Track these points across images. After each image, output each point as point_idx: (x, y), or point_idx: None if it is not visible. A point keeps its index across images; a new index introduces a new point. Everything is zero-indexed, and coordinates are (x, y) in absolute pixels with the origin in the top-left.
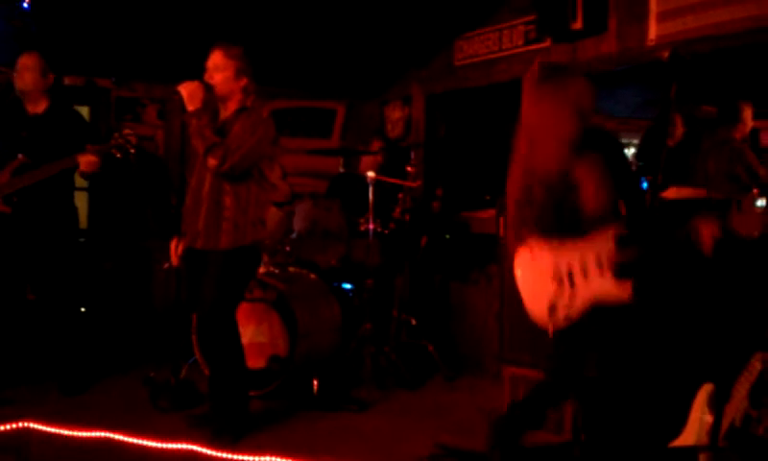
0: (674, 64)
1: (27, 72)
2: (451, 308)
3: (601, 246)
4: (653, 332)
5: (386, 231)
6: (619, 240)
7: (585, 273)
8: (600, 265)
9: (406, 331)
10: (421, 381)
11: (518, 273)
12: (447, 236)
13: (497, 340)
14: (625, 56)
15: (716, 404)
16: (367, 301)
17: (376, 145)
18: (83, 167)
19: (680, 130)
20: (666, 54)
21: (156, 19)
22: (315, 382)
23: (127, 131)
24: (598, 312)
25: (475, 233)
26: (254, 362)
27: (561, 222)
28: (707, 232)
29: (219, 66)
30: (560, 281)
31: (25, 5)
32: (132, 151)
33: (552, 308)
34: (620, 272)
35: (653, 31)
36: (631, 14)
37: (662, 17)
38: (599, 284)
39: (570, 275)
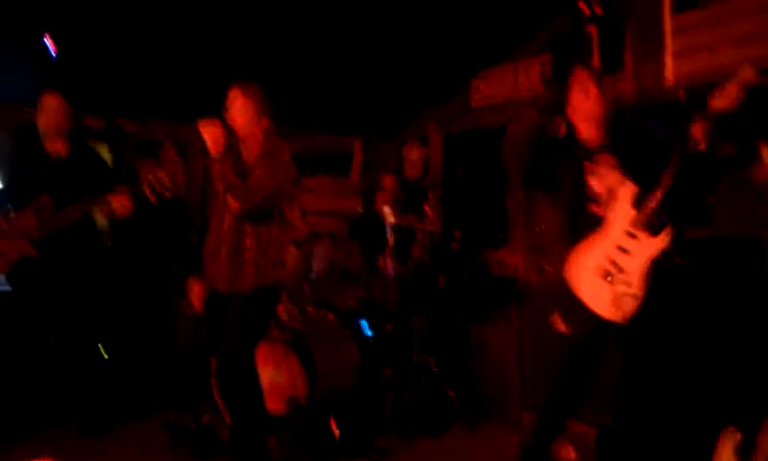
0: (691, 104)
1: (50, 112)
2: (470, 351)
3: (623, 219)
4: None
5: (404, 272)
6: (636, 201)
7: (624, 250)
8: (633, 234)
9: (426, 376)
10: (442, 428)
11: (578, 287)
12: (466, 275)
13: (518, 384)
14: (642, 94)
15: (742, 454)
16: (385, 342)
17: (388, 181)
18: (116, 210)
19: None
20: (683, 93)
21: (176, 59)
22: (335, 428)
23: (161, 173)
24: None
25: (494, 274)
26: (274, 405)
27: (579, 223)
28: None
29: (239, 108)
30: (608, 274)
31: (46, 41)
32: (168, 194)
33: (616, 299)
34: (652, 228)
35: (669, 69)
36: (647, 53)
37: (679, 56)
38: (643, 249)
39: (614, 262)
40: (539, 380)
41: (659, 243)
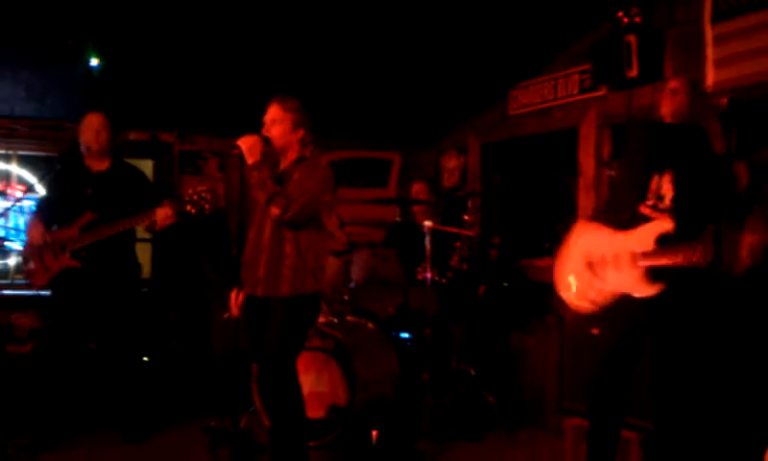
0: (733, 110)
1: (92, 132)
2: (510, 358)
3: (641, 241)
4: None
5: (443, 280)
6: (661, 239)
7: (617, 265)
8: (634, 261)
9: (465, 382)
10: (481, 433)
11: (565, 247)
12: (505, 285)
13: (558, 391)
14: None
15: None
16: (425, 350)
17: (416, 188)
18: (160, 222)
19: (744, 177)
20: (725, 100)
21: (216, 74)
22: (374, 433)
23: (201, 187)
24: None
25: (533, 282)
26: (314, 412)
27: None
28: (746, 245)
29: (276, 119)
30: (589, 265)
31: (92, 63)
32: (207, 207)
33: (570, 286)
34: (651, 275)
35: (710, 77)
36: (687, 61)
37: (720, 64)
38: (627, 279)
39: (601, 263)
40: (578, 386)
41: (643, 289)
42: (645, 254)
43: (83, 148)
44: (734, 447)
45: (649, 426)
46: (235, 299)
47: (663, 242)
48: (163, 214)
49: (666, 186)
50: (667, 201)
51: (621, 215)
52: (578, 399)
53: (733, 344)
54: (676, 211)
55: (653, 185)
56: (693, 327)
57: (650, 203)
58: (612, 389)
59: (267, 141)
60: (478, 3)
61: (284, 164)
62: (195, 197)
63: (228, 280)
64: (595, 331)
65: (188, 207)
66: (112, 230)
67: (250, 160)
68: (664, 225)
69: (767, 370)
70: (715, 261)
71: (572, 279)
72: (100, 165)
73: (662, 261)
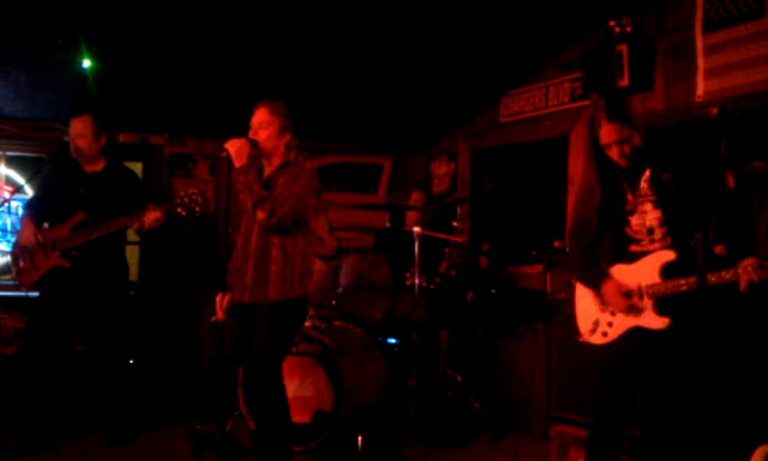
0: (723, 121)
1: (79, 138)
2: (497, 364)
3: (645, 273)
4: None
5: (432, 286)
6: (665, 269)
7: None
8: (641, 295)
9: (452, 388)
10: (467, 439)
11: (577, 290)
12: (493, 291)
13: (544, 397)
14: (672, 112)
15: None
16: (412, 356)
17: (415, 197)
18: (148, 224)
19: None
20: (714, 110)
21: (207, 76)
22: (360, 439)
23: (192, 190)
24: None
25: (522, 289)
26: (299, 417)
27: (610, 246)
28: (744, 274)
29: (263, 123)
30: (603, 303)
31: (84, 65)
32: (198, 209)
33: (594, 325)
34: (659, 306)
35: (700, 87)
36: (678, 71)
37: (710, 74)
38: (637, 313)
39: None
40: (565, 394)
41: (654, 322)
42: (653, 287)
43: (72, 152)
44: (723, 454)
45: (635, 434)
46: (221, 302)
47: (669, 271)
48: (153, 216)
49: (650, 218)
50: (659, 234)
51: (605, 253)
52: (565, 406)
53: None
54: (674, 240)
55: (634, 224)
56: (701, 347)
57: (644, 242)
58: (616, 398)
59: (254, 144)
60: (470, 10)
61: (270, 169)
62: (186, 199)
63: (215, 284)
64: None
65: (179, 210)
66: (103, 230)
67: (237, 164)
68: (667, 255)
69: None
70: (701, 270)
71: (595, 319)
72: (94, 166)
73: (673, 290)
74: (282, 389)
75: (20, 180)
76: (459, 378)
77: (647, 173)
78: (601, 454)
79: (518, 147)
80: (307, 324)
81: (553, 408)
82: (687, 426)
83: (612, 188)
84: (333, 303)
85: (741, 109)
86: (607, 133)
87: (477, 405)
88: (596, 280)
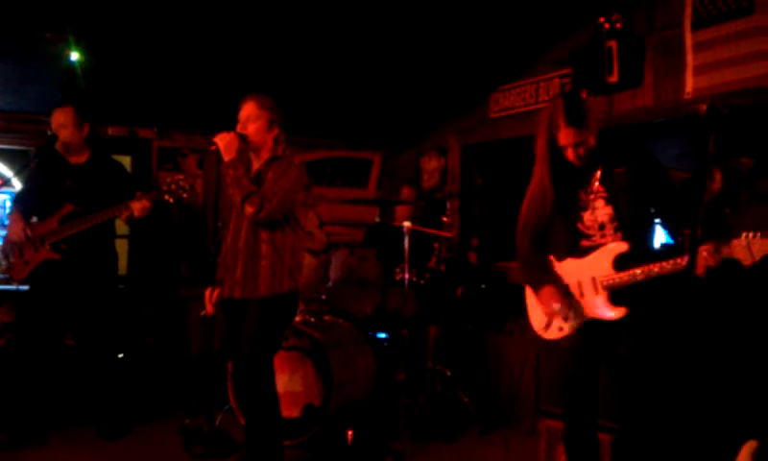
0: (711, 117)
1: (62, 129)
2: (486, 359)
3: (598, 266)
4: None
5: (422, 281)
6: (618, 260)
7: (580, 293)
8: (595, 287)
9: (441, 382)
10: (457, 434)
11: (527, 292)
12: (483, 286)
13: (533, 392)
14: (662, 109)
15: None
16: (402, 350)
17: (406, 192)
18: (136, 213)
19: (717, 183)
20: (704, 107)
21: (196, 70)
22: (350, 433)
23: (179, 176)
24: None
25: (511, 284)
26: (289, 411)
27: (561, 241)
28: (701, 259)
29: (252, 117)
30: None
31: (72, 58)
32: (185, 195)
33: (547, 324)
34: (614, 298)
35: (690, 84)
36: (667, 68)
37: (699, 70)
38: (593, 305)
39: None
40: (554, 388)
41: (610, 312)
42: (607, 278)
43: (59, 143)
44: (705, 447)
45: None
46: (210, 296)
47: (621, 263)
48: (140, 205)
49: (602, 214)
50: (610, 229)
51: (557, 248)
52: (554, 400)
53: (700, 344)
54: (626, 233)
55: (586, 219)
56: (658, 333)
57: (595, 237)
58: (580, 392)
59: (243, 138)
60: (460, 6)
61: (258, 164)
62: (173, 186)
63: (205, 279)
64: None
65: (166, 197)
66: (91, 221)
67: (226, 158)
68: (620, 246)
69: (737, 368)
70: (690, 264)
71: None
72: (78, 158)
73: (627, 280)
74: (273, 384)
75: (8, 173)
76: (448, 373)
77: (600, 171)
78: (579, 451)
79: (509, 142)
80: (297, 318)
81: (542, 403)
82: (663, 416)
83: (565, 185)
84: (323, 297)
85: (730, 106)
86: (565, 136)
87: (467, 400)
88: (536, 282)
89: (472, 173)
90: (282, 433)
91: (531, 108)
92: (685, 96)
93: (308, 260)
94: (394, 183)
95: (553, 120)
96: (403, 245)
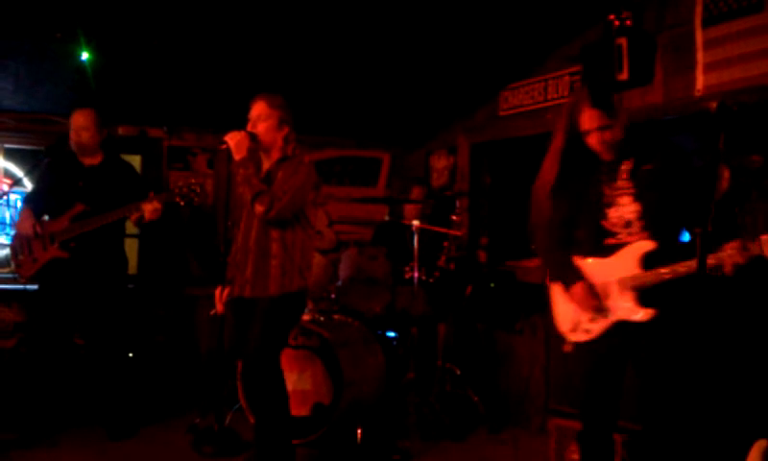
0: (721, 115)
1: (83, 131)
2: (496, 358)
3: (624, 266)
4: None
5: (431, 280)
6: (645, 260)
7: (606, 294)
8: (622, 288)
9: (450, 381)
10: (466, 433)
11: (553, 289)
12: (492, 285)
13: (543, 391)
14: (672, 106)
15: None
16: (411, 349)
17: (416, 192)
18: (147, 215)
19: (725, 181)
20: (714, 104)
21: (206, 69)
22: (359, 431)
23: (191, 179)
24: (625, 331)
25: (521, 282)
26: (298, 410)
27: (585, 239)
28: (728, 258)
29: (262, 115)
30: (573, 302)
31: (82, 58)
32: (196, 199)
33: (574, 326)
34: (642, 298)
35: (700, 81)
36: (677, 65)
37: (710, 68)
38: (620, 306)
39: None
40: (564, 387)
41: (637, 314)
42: (634, 278)
43: (73, 144)
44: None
45: (632, 428)
46: (220, 295)
47: (649, 262)
48: (151, 207)
49: (628, 211)
50: (637, 227)
51: (580, 246)
52: (564, 399)
53: (723, 346)
54: (652, 231)
55: (611, 216)
56: (685, 334)
57: (620, 235)
58: (602, 394)
59: (253, 137)
60: (469, 3)
61: (268, 164)
62: (185, 189)
63: (215, 278)
64: (568, 348)
65: (177, 199)
66: (102, 221)
67: (237, 157)
68: (646, 245)
69: (755, 370)
70: (701, 264)
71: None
72: (92, 159)
73: (655, 280)
74: (282, 382)
75: (19, 172)
76: (458, 372)
77: (627, 165)
78: (594, 452)
79: (518, 140)
80: (306, 317)
81: (552, 402)
82: (684, 418)
83: (589, 180)
84: (332, 296)
85: (740, 104)
86: (589, 118)
87: (476, 399)
88: (568, 280)
89: (482, 171)
90: (291, 429)
91: (540, 105)
92: (696, 93)
93: (317, 259)
94: (403, 182)
95: (576, 105)
96: (412, 243)
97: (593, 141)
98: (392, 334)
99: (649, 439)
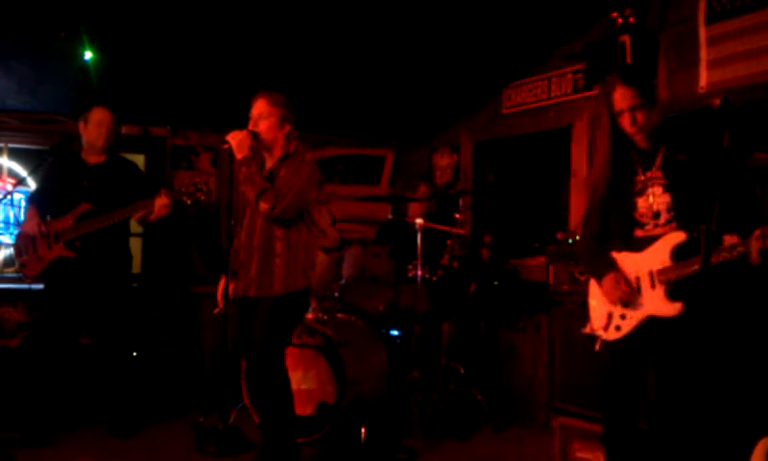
0: (725, 112)
1: (101, 127)
2: (499, 356)
3: (656, 259)
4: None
5: (434, 278)
6: (676, 252)
7: (638, 288)
8: (652, 282)
9: (454, 379)
10: (470, 431)
11: (591, 285)
12: (496, 283)
13: (546, 389)
14: (675, 103)
15: None
16: (414, 348)
17: (422, 190)
18: (156, 211)
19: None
20: (717, 101)
21: (209, 68)
22: (363, 430)
23: (198, 179)
24: (653, 329)
25: (524, 281)
26: (302, 409)
27: (616, 231)
28: (755, 243)
29: (263, 114)
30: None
31: (86, 57)
32: (203, 198)
33: (608, 319)
34: (672, 291)
35: (703, 78)
36: (681, 62)
37: (713, 65)
38: (651, 301)
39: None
40: (568, 386)
41: (667, 308)
42: (665, 271)
43: (84, 142)
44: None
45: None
46: (223, 288)
47: (680, 254)
48: (160, 203)
49: (658, 201)
50: (665, 218)
51: (613, 239)
52: (567, 398)
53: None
54: (682, 222)
55: (640, 206)
56: (713, 330)
57: (648, 226)
58: (626, 394)
59: (255, 136)
60: (472, 1)
61: (271, 162)
62: (191, 188)
63: (218, 275)
64: (597, 348)
65: (183, 198)
66: (107, 220)
67: (239, 155)
68: (677, 236)
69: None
70: (704, 261)
71: (608, 312)
72: (97, 158)
73: (686, 272)
74: (287, 380)
75: (22, 172)
76: (461, 370)
77: (661, 154)
78: (620, 451)
79: (521, 138)
80: (310, 316)
81: (556, 400)
82: (699, 416)
83: (623, 168)
84: (336, 294)
85: (744, 101)
86: (621, 96)
87: (480, 397)
88: (600, 272)
89: (485, 169)
90: (296, 428)
91: (543, 103)
92: (699, 91)
93: (321, 258)
94: (406, 180)
95: (609, 86)
96: (416, 242)
97: (626, 122)
98: (395, 333)
99: (657, 438)
